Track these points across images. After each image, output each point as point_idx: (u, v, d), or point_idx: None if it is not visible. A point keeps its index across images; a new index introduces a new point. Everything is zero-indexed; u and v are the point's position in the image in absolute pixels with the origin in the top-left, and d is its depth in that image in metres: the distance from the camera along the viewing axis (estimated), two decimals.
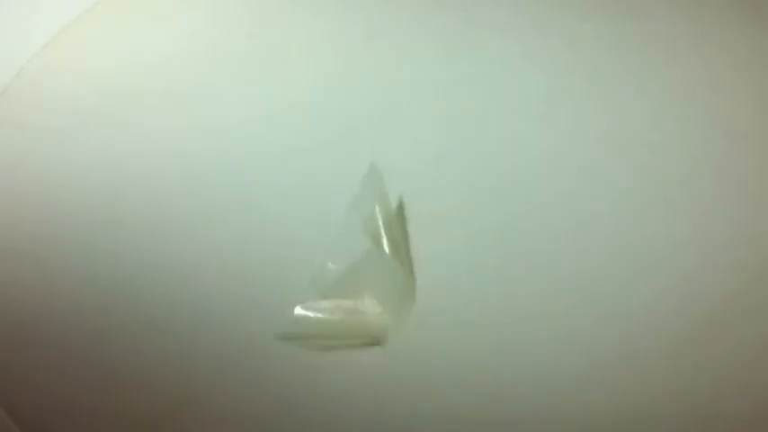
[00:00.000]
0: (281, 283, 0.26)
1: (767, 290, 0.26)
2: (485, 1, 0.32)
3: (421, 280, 0.26)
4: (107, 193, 0.28)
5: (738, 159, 0.28)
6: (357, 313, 0.26)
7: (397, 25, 0.32)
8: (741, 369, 0.24)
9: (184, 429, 0.24)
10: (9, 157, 0.29)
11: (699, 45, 0.31)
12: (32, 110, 0.30)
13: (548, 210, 0.27)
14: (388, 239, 0.26)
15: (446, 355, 0.25)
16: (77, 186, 0.28)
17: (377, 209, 0.27)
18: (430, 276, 0.26)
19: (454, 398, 0.24)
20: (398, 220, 0.27)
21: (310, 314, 0.26)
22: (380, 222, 0.26)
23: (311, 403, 0.24)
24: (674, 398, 0.24)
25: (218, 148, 0.29)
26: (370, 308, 0.26)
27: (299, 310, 0.25)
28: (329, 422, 0.24)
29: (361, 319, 0.26)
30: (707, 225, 0.27)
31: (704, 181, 0.28)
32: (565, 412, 0.24)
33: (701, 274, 0.26)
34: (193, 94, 0.30)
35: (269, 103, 0.30)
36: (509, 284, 0.26)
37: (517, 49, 0.31)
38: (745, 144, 0.29)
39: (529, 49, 0.31)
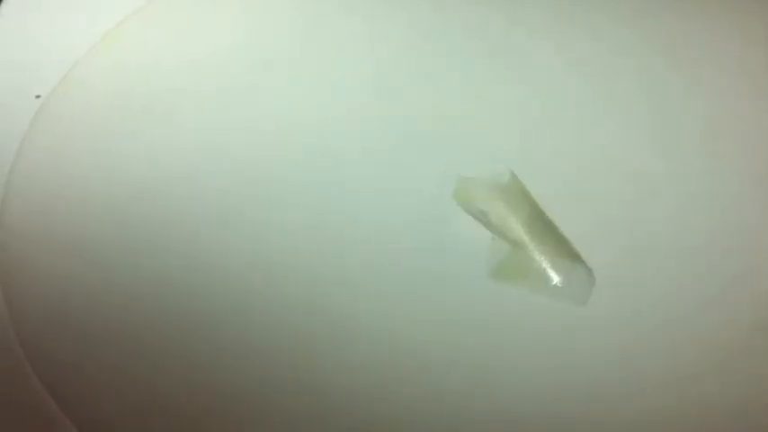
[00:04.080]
0: (332, 283, 0.27)
1: None
2: (529, 6, 0.32)
3: (458, 282, 0.26)
4: (153, 188, 0.29)
5: None
6: None
7: (443, 28, 0.32)
8: None
9: (228, 425, 0.24)
10: (58, 151, 0.29)
11: (744, 49, 0.30)
12: (82, 106, 0.30)
13: (591, 214, 0.27)
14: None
15: (489, 358, 0.25)
16: (125, 181, 0.29)
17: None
18: (471, 279, 0.26)
19: (492, 403, 0.24)
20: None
21: None
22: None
23: (353, 402, 0.24)
24: (720, 409, 0.24)
25: (264, 146, 0.29)
26: None
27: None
28: (371, 420, 0.24)
29: None
30: (755, 233, 0.27)
31: (753, 189, 0.28)
32: (609, 422, 0.24)
33: (748, 282, 0.26)
34: (240, 93, 0.31)
35: (315, 104, 0.30)
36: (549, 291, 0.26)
37: (560, 54, 0.31)
38: None
39: (572, 54, 0.31)
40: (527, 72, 0.31)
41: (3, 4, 0.32)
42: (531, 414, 0.24)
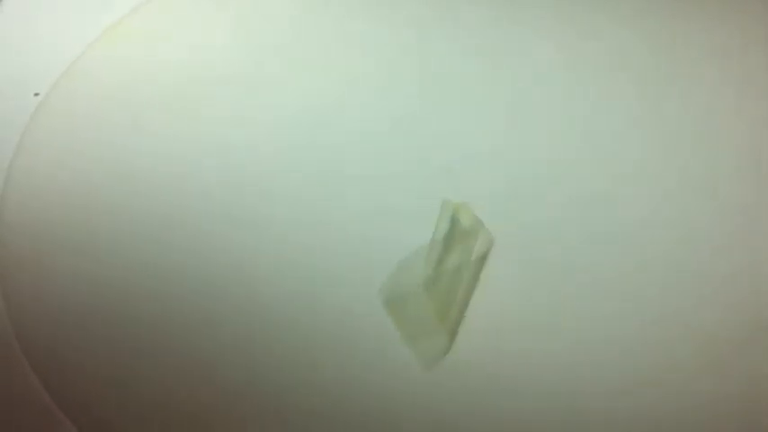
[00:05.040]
0: (334, 278, 0.27)
1: None
2: (529, 6, 0.32)
3: None
4: (153, 184, 0.28)
5: None
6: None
7: (444, 26, 0.32)
8: None
9: (229, 422, 0.24)
10: (58, 146, 0.29)
11: (743, 49, 0.31)
12: (83, 101, 0.30)
13: (591, 211, 0.27)
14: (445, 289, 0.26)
15: (486, 355, 0.25)
16: (124, 177, 0.29)
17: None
18: None
19: (488, 399, 0.24)
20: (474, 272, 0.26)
21: None
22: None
23: (355, 399, 0.24)
24: (718, 404, 0.24)
25: (268, 141, 0.29)
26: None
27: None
28: (373, 417, 0.24)
29: None
30: (753, 229, 0.27)
31: (751, 186, 0.28)
32: (608, 416, 0.24)
33: (747, 279, 0.26)
34: (242, 88, 0.31)
35: (318, 100, 0.30)
36: (551, 286, 0.26)
37: (560, 53, 0.31)
38: None
39: (572, 54, 0.31)
40: (527, 72, 0.31)
41: (3, 1, 0.32)
42: (527, 411, 0.24)
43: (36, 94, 0.30)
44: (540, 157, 0.29)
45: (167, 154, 0.29)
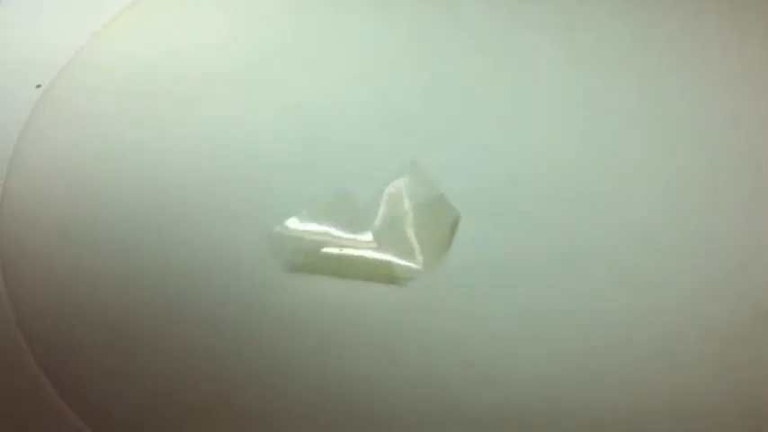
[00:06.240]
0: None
1: None
2: (530, 4, 0.32)
3: (456, 268, 0.26)
4: (154, 176, 0.29)
5: None
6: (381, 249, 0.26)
7: (444, 26, 0.32)
8: None
9: (236, 415, 0.24)
10: (59, 138, 0.30)
11: (744, 48, 0.30)
12: (84, 94, 0.31)
13: (592, 204, 0.27)
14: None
15: (487, 356, 0.25)
16: (125, 169, 0.29)
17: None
18: (467, 267, 0.26)
19: (490, 392, 0.24)
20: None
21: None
22: None
23: (358, 391, 0.25)
24: (720, 396, 0.24)
25: (265, 140, 0.30)
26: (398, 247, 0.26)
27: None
28: (376, 410, 0.24)
29: (383, 256, 0.26)
30: (755, 222, 0.27)
31: (752, 178, 0.28)
32: (607, 413, 0.24)
33: (749, 271, 0.26)
34: (240, 82, 0.31)
35: (315, 94, 0.31)
36: (552, 277, 0.26)
37: (560, 53, 0.31)
38: None
39: (571, 53, 0.31)
40: (527, 71, 0.31)
41: None
42: (528, 402, 0.24)
43: (38, 86, 0.30)
44: (540, 157, 0.29)
45: (168, 145, 0.29)
